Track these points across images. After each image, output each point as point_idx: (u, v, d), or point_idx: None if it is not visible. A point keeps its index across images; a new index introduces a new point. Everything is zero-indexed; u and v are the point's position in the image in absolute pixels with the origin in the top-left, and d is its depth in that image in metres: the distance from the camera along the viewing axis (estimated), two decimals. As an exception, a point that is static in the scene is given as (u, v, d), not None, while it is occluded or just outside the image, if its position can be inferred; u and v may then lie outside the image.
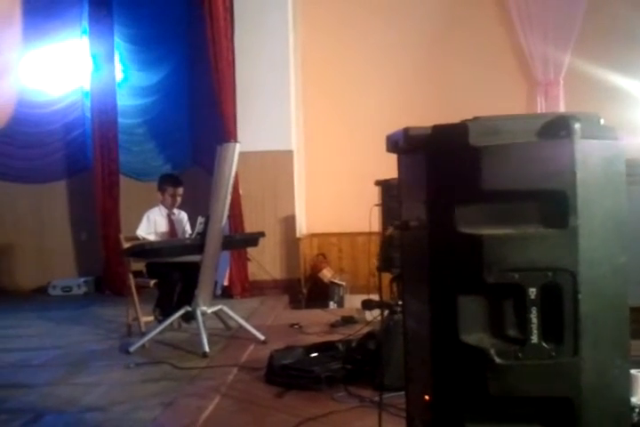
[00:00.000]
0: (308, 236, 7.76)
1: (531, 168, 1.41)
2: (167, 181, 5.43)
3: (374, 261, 5.52)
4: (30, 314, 6.27)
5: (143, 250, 4.69)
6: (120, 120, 7.63)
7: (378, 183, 4.62)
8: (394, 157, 1.85)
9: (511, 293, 1.43)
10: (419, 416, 1.71)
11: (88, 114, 7.77)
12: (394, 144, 1.70)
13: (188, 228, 5.41)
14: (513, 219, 1.42)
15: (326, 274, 7.28)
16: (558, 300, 1.41)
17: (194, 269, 4.70)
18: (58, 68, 7.90)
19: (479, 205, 1.44)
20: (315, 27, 7.88)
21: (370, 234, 5.43)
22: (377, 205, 4.68)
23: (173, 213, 5.42)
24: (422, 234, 1.56)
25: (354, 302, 6.08)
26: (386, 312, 3.53)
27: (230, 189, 4.71)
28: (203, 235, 4.61)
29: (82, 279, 7.75)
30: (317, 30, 7.88)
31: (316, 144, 7.93)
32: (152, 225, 5.31)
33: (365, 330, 4.19)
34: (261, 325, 5.09)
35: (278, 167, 7.09)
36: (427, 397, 1.56)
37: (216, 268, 4.91)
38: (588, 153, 1.42)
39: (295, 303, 6.83)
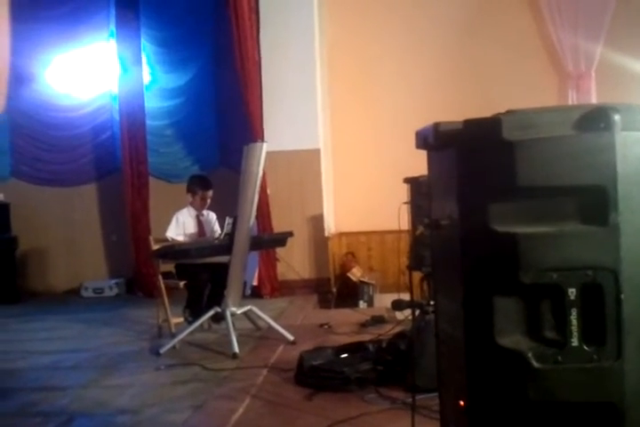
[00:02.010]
0: (337, 235, 7.72)
1: (568, 163, 1.34)
2: (197, 184, 5.40)
3: (404, 260, 5.44)
4: (62, 316, 6.33)
5: (172, 251, 4.70)
6: (148, 122, 7.65)
7: (407, 181, 4.55)
8: (423, 154, 1.80)
9: (549, 293, 1.36)
10: (454, 421, 1.66)
11: (116, 116, 7.81)
12: (423, 140, 1.64)
13: (216, 228, 5.40)
14: (550, 216, 1.36)
15: (355, 273, 7.23)
16: (599, 300, 1.35)
17: (223, 270, 4.69)
18: (86, 71, 7.97)
19: (513, 202, 1.38)
20: (340, 24, 7.83)
21: (399, 232, 5.34)
22: (406, 202, 4.61)
23: (202, 215, 5.41)
24: (454, 233, 1.51)
25: (384, 300, 6.01)
26: (417, 312, 3.47)
27: (258, 189, 4.69)
28: (231, 235, 4.60)
29: (113, 281, 7.81)
30: (343, 27, 7.83)
31: (343, 142, 7.87)
32: (181, 226, 5.30)
33: (396, 330, 4.14)
34: (291, 325, 5.07)
35: (306, 166, 7.06)
36: (461, 402, 1.50)
37: (245, 268, 4.90)
38: (628, 146, 1.34)
39: (324, 303, 6.79)
